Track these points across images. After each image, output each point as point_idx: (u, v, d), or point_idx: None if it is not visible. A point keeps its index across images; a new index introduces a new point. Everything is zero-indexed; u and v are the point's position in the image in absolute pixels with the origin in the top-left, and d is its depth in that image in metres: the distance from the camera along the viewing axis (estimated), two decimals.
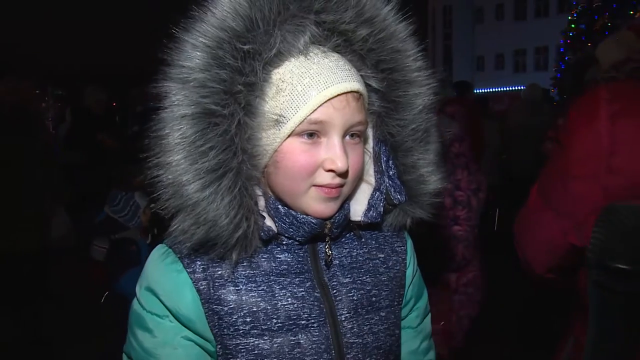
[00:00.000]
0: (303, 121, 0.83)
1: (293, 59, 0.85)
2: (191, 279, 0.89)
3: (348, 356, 0.92)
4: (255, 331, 0.88)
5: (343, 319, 0.93)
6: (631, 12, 7.77)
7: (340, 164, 0.84)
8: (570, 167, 1.14)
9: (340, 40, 0.89)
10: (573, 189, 1.13)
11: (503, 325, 4.19)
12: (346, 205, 0.95)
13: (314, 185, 0.87)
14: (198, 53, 0.81)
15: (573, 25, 9.06)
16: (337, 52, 0.89)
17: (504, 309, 4.49)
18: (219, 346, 0.90)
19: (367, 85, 0.92)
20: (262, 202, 0.90)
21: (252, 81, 0.82)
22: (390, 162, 0.98)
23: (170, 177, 0.82)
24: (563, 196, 1.15)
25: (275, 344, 0.88)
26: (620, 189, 1.06)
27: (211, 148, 0.81)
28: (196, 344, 0.91)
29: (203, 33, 0.81)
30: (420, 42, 0.94)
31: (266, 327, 0.88)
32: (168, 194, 0.84)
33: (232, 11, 0.81)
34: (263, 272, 0.91)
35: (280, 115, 0.83)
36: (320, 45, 0.88)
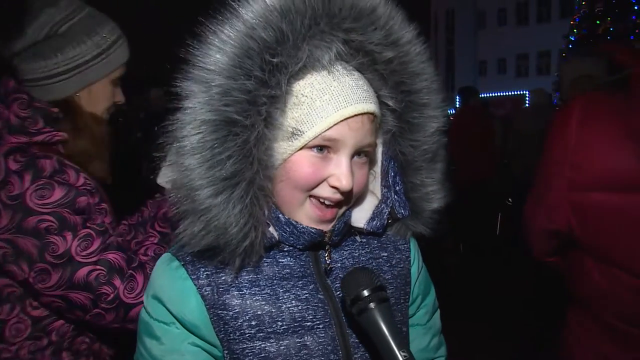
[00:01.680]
0: (317, 136, 0.84)
1: (315, 73, 0.85)
2: (195, 285, 0.90)
3: (355, 356, 0.93)
4: (261, 334, 0.89)
5: (348, 319, 0.93)
6: (633, 17, 7.77)
7: (345, 183, 0.85)
8: (546, 165, 1.38)
9: (365, 60, 0.89)
10: (548, 183, 1.36)
11: (504, 324, 4.20)
12: (347, 212, 0.96)
13: (312, 197, 0.88)
14: (225, 58, 0.80)
15: (575, 30, 9.07)
16: (359, 71, 0.89)
17: (505, 309, 4.50)
18: (226, 351, 0.91)
19: (384, 104, 0.93)
20: (266, 211, 0.91)
21: (276, 94, 0.81)
22: (398, 178, 0.99)
23: (184, 180, 0.83)
24: (544, 190, 1.39)
25: (282, 346, 0.89)
26: (581, 182, 1.28)
27: (229, 157, 0.81)
28: (203, 349, 0.92)
29: (232, 38, 0.80)
30: (425, 48, 0.95)
31: (272, 330, 0.89)
32: (179, 197, 0.84)
33: (263, 20, 0.80)
34: (266, 277, 0.92)
35: (296, 129, 0.84)
36: (344, 62, 0.88)
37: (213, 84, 0.80)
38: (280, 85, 0.81)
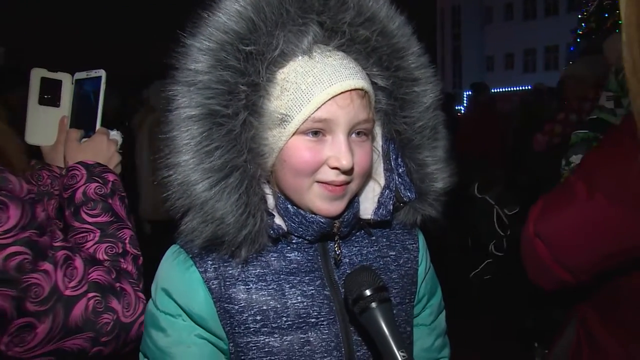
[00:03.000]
0: (307, 119, 0.84)
1: (297, 59, 0.86)
2: (203, 278, 0.90)
3: (358, 354, 0.93)
4: (266, 329, 0.90)
5: (353, 316, 0.93)
6: None
7: (345, 162, 0.85)
8: (633, 151, 0.97)
9: (344, 40, 0.90)
10: (634, 171, 0.98)
11: (507, 325, 4.19)
12: (355, 203, 0.96)
13: (318, 182, 0.88)
14: (203, 56, 0.83)
15: (584, 24, 8.98)
16: (342, 51, 0.90)
17: (512, 306, 4.48)
18: (231, 344, 0.91)
19: (373, 83, 0.93)
20: (271, 201, 0.92)
21: (255, 81, 0.84)
22: (399, 159, 0.98)
23: (179, 177, 0.85)
24: (621, 179, 1.03)
25: (285, 341, 0.90)
26: None
27: (217, 148, 0.83)
28: (209, 342, 0.93)
29: (208, 36, 0.83)
30: (428, 42, 0.94)
31: (276, 325, 0.90)
32: (178, 194, 0.86)
33: (235, 14, 0.83)
34: (273, 271, 0.92)
35: (285, 114, 0.85)
36: (324, 45, 0.89)
37: (195, 81, 0.83)
38: (258, 72, 0.84)
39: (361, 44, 0.91)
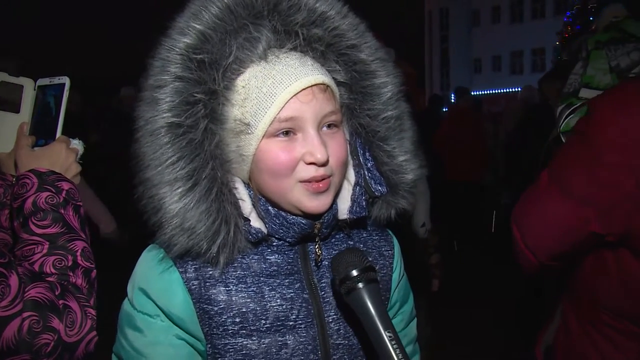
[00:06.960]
0: (273, 121, 0.85)
1: (255, 65, 0.88)
2: (183, 278, 0.90)
3: (334, 357, 0.94)
4: (244, 331, 0.90)
5: (330, 320, 0.95)
6: None
7: (319, 155, 0.85)
8: (598, 156, 1.13)
9: (299, 40, 0.91)
10: (601, 177, 1.13)
11: (498, 322, 4.22)
12: (334, 205, 0.96)
13: (301, 182, 0.88)
14: (158, 72, 0.86)
15: (569, 27, 9.09)
16: (299, 52, 0.92)
17: (499, 307, 4.52)
18: (209, 345, 0.91)
19: (334, 79, 0.94)
20: (247, 205, 0.91)
21: (212, 89, 0.85)
22: (367, 154, 0.99)
23: (149, 192, 0.86)
24: (588, 184, 1.15)
25: (263, 344, 0.90)
26: None
27: (179, 158, 0.84)
28: (187, 343, 0.92)
29: (162, 53, 0.86)
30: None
31: (255, 327, 0.90)
32: (151, 209, 0.87)
33: (185, 27, 0.86)
34: (253, 273, 0.92)
35: (251, 119, 0.86)
36: (280, 48, 0.90)
37: (154, 97, 0.85)
38: (215, 79, 0.85)
39: (316, 43, 0.92)
